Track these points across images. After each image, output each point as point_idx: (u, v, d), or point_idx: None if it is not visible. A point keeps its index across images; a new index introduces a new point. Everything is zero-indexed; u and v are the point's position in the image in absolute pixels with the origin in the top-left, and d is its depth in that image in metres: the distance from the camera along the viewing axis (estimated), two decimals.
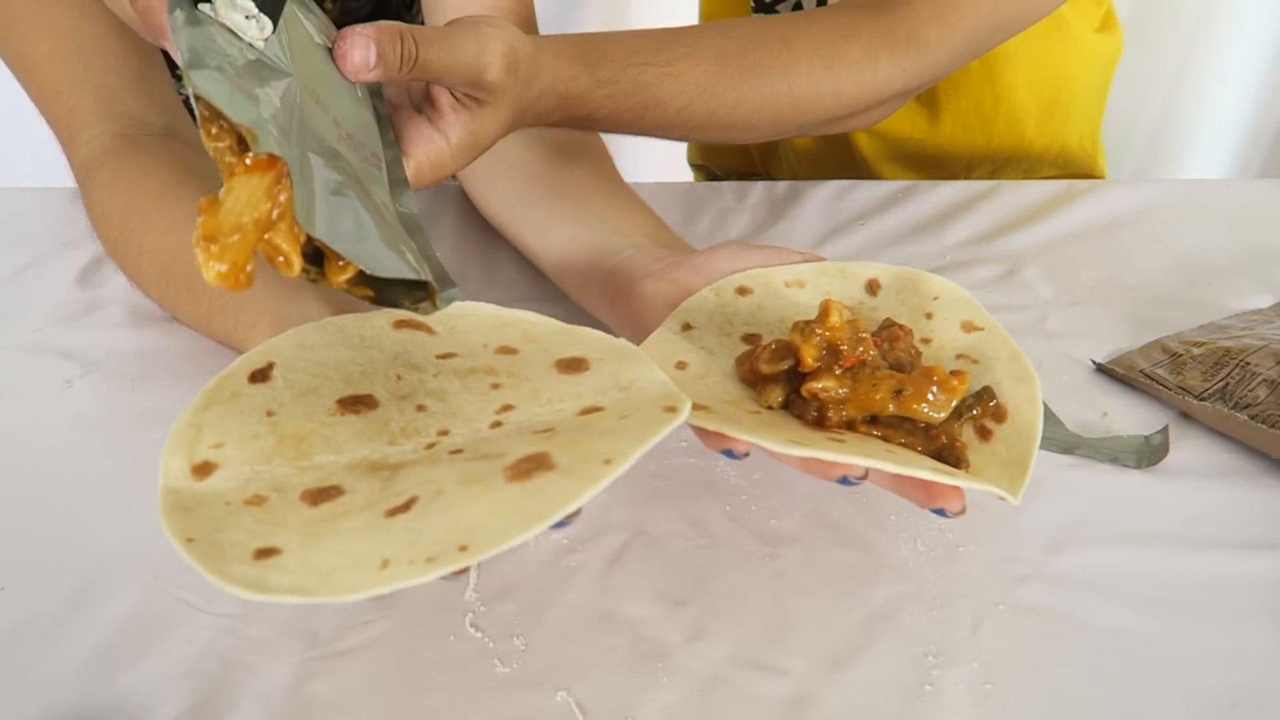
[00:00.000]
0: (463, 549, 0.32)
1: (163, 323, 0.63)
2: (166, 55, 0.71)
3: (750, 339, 0.50)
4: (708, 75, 0.58)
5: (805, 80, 0.61)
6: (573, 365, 0.43)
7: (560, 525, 0.34)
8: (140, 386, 0.59)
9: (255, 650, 0.44)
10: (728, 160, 1.04)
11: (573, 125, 0.57)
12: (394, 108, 0.49)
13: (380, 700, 0.42)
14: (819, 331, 0.44)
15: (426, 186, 0.49)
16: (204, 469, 0.40)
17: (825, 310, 0.45)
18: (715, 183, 0.84)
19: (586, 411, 0.39)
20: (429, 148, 0.48)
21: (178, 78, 0.83)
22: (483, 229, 0.74)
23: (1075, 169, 0.93)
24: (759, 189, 0.81)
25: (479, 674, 0.43)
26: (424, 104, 0.49)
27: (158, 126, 0.65)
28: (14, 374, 0.60)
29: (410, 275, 0.39)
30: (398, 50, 0.43)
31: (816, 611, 0.46)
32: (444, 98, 0.48)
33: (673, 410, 0.37)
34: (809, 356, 0.44)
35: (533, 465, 0.35)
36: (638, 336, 0.51)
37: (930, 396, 0.42)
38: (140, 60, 0.66)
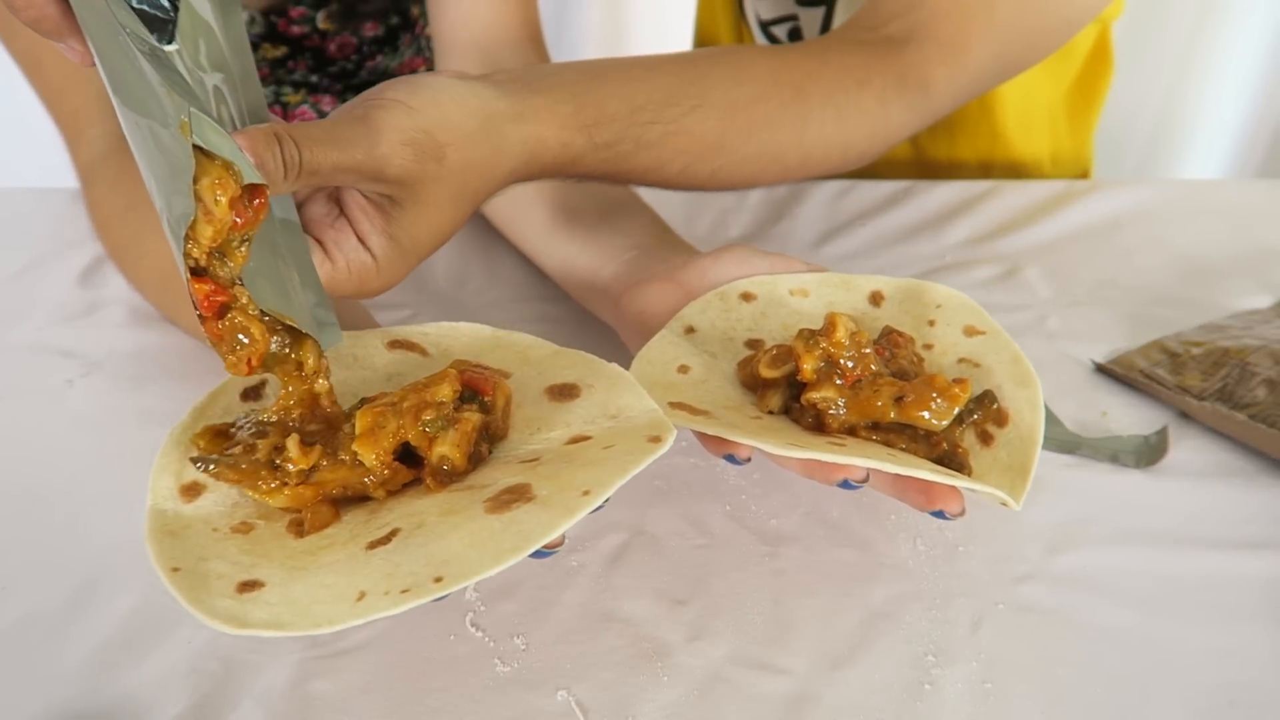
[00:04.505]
0: (437, 580, 0.32)
1: (164, 323, 0.64)
2: None
3: (753, 345, 0.50)
4: (715, 131, 0.53)
5: (817, 133, 0.57)
6: (564, 392, 0.42)
7: (542, 554, 0.34)
8: (141, 386, 0.59)
9: (256, 649, 0.44)
10: None
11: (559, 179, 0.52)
12: (311, 221, 0.44)
13: (381, 699, 0.42)
14: (822, 344, 0.44)
15: (349, 298, 0.44)
16: (192, 490, 0.40)
17: (831, 324, 0.45)
18: None
19: (574, 440, 0.39)
20: (351, 258, 0.43)
21: None
22: (485, 228, 0.74)
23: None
24: (759, 189, 0.81)
25: (479, 673, 0.43)
26: (341, 214, 0.43)
27: None
28: (15, 373, 0.60)
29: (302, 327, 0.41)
30: (277, 157, 0.38)
31: (816, 611, 0.46)
32: (352, 200, 0.43)
33: (657, 440, 0.37)
34: (808, 367, 0.44)
35: (513, 496, 0.35)
36: (641, 339, 0.51)
37: (932, 404, 0.43)
38: None
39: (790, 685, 0.43)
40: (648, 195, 0.66)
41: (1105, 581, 0.47)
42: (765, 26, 0.89)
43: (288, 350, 0.40)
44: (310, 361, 0.41)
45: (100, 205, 0.64)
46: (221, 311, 0.38)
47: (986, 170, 0.89)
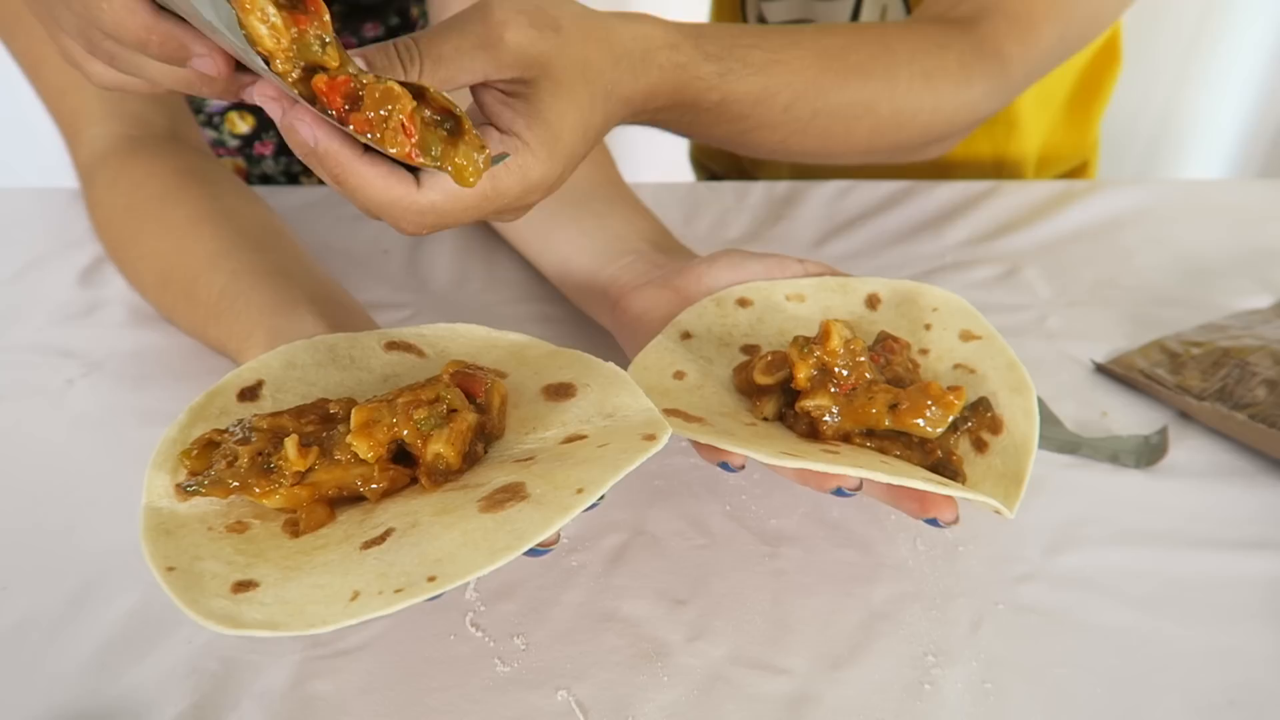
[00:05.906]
0: (431, 579, 0.32)
1: (164, 323, 0.64)
2: None
3: (749, 350, 0.50)
4: (813, 70, 0.55)
5: (906, 89, 0.59)
6: (560, 391, 0.42)
7: (536, 553, 0.34)
8: (141, 386, 0.59)
9: (256, 649, 0.44)
10: (728, 159, 1.04)
11: (677, 117, 0.52)
12: None
13: (381, 699, 0.42)
14: (816, 353, 0.44)
15: (520, 201, 0.42)
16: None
17: (826, 332, 0.45)
18: (715, 183, 0.84)
19: (570, 440, 0.39)
20: (502, 149, 0.41)
21: None
22: (484, 230, 0.74)
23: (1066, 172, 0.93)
24: (759, 189, 0.81)
25: (479, 673, 0.43)
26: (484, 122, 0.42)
27: (162, 128, 0.66)
28: (16, 374, 0.60)
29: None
30: (392, 55, 0.38)
31: (816, 611, 0.46)
32: (489, 97, 0.42)
33: (651, 438, 0.37)
34: (802, 375, 0.44)
35: (506, 495, 0.35)
36: (637, 343, 0.51)
37: (927, 412, 0.43)
38: None
39: (790, 685, 0.43)
40: (648, 196, 0.66)
41: (1105, 581, 0.47)
42: None
43: (446, 132, 0.37)
44: (474, 156, 0.37)
45: (100, 205, 0.64)
46: (353, 99, 0.35)
47: (999, 166, 0.88)
